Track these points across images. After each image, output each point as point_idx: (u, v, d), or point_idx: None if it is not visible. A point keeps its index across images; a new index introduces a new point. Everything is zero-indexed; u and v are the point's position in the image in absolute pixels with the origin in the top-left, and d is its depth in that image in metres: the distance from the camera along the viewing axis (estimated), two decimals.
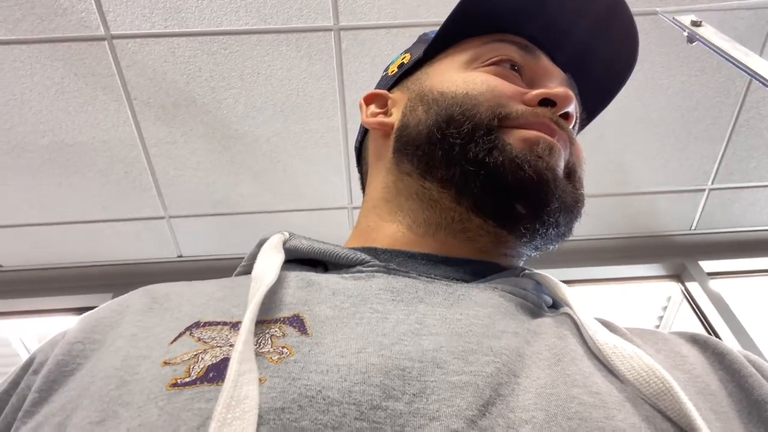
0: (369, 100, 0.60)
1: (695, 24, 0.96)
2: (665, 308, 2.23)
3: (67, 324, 0.43)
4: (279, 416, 0.28)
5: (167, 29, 1.51)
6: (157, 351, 0.35)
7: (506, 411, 0.31)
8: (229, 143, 1.74)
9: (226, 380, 0.29)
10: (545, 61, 0.55)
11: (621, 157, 1.84)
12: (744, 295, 2.02)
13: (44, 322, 2.06)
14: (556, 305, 0.48)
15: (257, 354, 0.33)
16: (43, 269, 2.01)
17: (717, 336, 1.79)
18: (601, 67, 0.58)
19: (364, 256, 0.45)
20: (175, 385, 0.31)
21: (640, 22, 0.58)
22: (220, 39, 1.53)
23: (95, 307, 0.44)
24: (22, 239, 1.92)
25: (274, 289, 0.40)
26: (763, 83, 0.79)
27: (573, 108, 0.51)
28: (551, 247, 0.50)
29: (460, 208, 0.48)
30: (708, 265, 2.03)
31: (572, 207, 0.48)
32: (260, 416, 0.28)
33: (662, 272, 2.07)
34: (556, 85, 0.53)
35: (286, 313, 0.38)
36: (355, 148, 0.64)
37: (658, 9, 1.09)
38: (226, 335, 0.36)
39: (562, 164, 0.48)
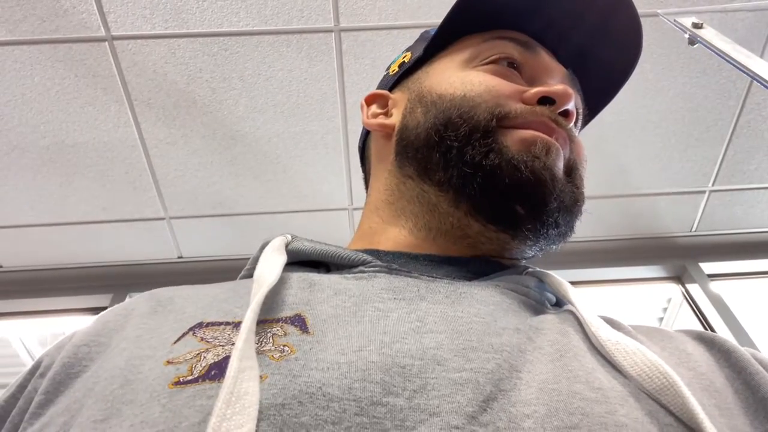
0: (370, 100, 0.60)
1: (696, 26, 0.96)
2: (665, 310, 2.23)
3: (67, 324, 0.44)
4: (279, 412, 0.29)
5: (168, 30, 1.51)
6: (161, 351, 0.35)
7: (508, 405, 0.31)
8: (230, 144, 1.74)
9: (226, 377, 0.29)
10: (545, 58, 0.54)
11: (621, 158, 1.84)
12: (744, 297, 2.01)
13: (44, 322, 2.06)
14: (559, 303, 0.48)
15: (259, 352, 0.33)
16: (43, 270, 2.01)
17: None
18: (603, 63, 0.58)
19: (366, 257, 0.45)
20: (177, 383, 0.31)
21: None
22: (220, 40, 1.53)
23: (95, 307, 0.45)
24: (22, 240, 1.92)
25: (277, 290, 0.40)
26: (764, 85, 0.78)
27: (573, 105, 0.51)
28: (553, 247, 0.50)
29: (458, 213, 0.48)
30: (708, 267, 2.03)
31: (571, 206, 0.47)
32: (260, 412, 0.28)
33: (663, 274, 2.07)
34: (557, 81, 0.53)
35: (287, 312, 0.38)
36: (359, 147, 0.64)
37: (659, 11, 1.09)
38: (229, 334, 0.36)
39: (560, 163, 0.48)
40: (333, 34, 1.54)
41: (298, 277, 0.43)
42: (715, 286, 1.96)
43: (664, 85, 1.68)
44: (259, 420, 0.28)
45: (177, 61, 1.56)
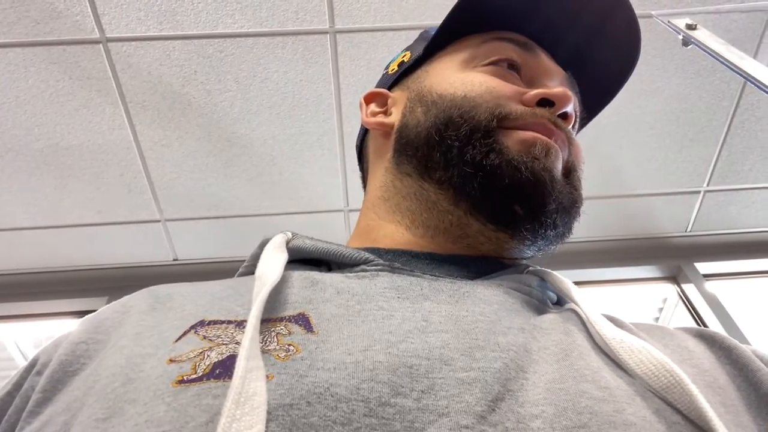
0: (369, 99, 0.60)
1: (690, 27, 0.96)
2: (661, 310, 2.24)
3: (63, 328, 0.43)
4: (288, 412, 0.29)
5: (162, 32, 1.50)
6: (162, 349, 0.35)
7: (516, 406, 0.30)
8: (225, 146, 1.73)
9: (234, 376, 0.29)
10: (544, 59, 0.55)
11: (616, 159, 1.85)
12: (739, 297, 2.02)
13: (39, 325, 2.05)
14: (561, 302, 0.48)
15: (263, 351, 0.33)
16: (38, 273, 2.00)
17: None
18: (601, 65, 0.58)
19: (368, 256, 0.45)
20: (181, 381, 0.31)
21: None
22: (215, 42, 1.53)
23: (91, 310, 0.44)
24: (17, 243, 1.90)
25: (279, 288, 0.40)
26: (758, 86, 0.79)
27: (572, 108, 0.51)
28: (551, 248, 0.50)
29: (458, 211, 0.48)
30: (703, 267, 2.03)
31: (570, 208, 0.48)
32: (269, 412, 0.28)
33: (658, 274, 2.07)
34: (556, 83, 0.53)
35: (291, 311, 0.38)
36: (357, 146, 0.64)
37: (653, 12, 1.09)
38: (232, 333, 0.36)
39: (559, 165, 0.48)
40: (328, 35, 1.54)
41: (300, 276, 0.42)
42: (710, 285, 1.97)
43: (658, 86, 1.69)
44: (267, 420, 0.28)
45: (172, 62, 1.55)
